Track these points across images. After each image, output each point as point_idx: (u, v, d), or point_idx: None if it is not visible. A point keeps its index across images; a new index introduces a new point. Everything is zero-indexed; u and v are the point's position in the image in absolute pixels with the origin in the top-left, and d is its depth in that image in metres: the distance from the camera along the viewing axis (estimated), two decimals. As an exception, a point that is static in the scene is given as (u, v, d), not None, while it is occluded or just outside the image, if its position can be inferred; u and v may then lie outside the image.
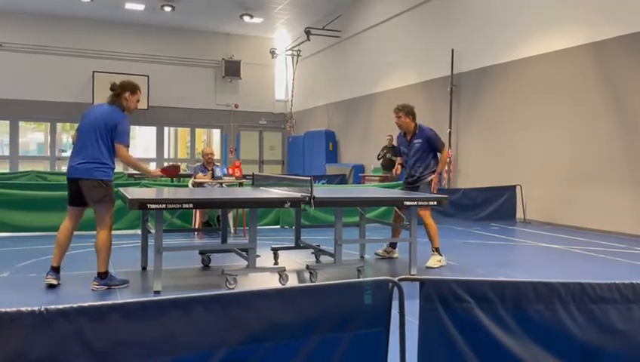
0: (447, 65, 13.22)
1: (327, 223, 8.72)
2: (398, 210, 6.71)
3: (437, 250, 6.30)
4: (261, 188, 6.79)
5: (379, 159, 14.44)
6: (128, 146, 5.07)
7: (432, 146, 6.53)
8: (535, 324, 2.31)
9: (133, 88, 5.18)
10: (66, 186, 8.79)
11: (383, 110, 16.36)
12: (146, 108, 20.13)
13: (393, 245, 6.92)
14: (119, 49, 20.39)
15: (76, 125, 5.36)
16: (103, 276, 5.01)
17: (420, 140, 6.53)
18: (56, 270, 5.07)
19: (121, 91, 5.13)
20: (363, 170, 16.66)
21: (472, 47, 12.65)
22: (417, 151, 6.55)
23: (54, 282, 5.02)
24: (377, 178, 14.07)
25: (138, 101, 5.28)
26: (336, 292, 2.20)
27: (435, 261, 6.23)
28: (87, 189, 4.95)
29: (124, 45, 20.50)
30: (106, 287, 4.99)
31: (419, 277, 2.25)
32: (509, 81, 11.67)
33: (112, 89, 5.18)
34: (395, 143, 14.08)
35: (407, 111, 6.56)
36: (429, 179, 6.54)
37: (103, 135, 4.93)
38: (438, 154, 6.61)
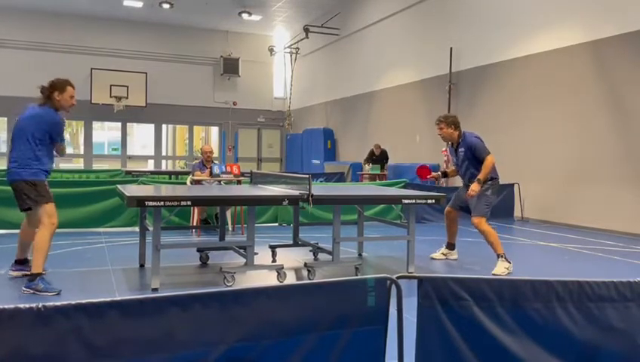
0: (445, 63, 13.22)
1: (325, 221, 8.73)
2: (451, 211, 6.54)
3: (503, 256, 5.90)
4: (259, 185, 6.79)
5: (364, 164, 14.61)
6: (64, 142, 5.09)
7: (475, 155, 6.12)
8: (533, 322, 2.31)
9: (61, 87, 5.01)
10: (63, 184, 8.78)
11: (382, 108, 16.37)
12: (144, 105, 20.13)
13: (450, 246, 6.73)
14: (117, 46, 20.36)
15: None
16: (32, 278, 4.73)
17: (463, 149, 6.20)
18: (17, 262, 5.34)
19: (50, 93, 5.01)
20: (361, 168, 16.67)
21: (471, 45, 12.65)
22: (464, 161, 6.22)
23: (13, 274, 5.28)
24: (368, 176, 14.14)
25: (72, 97, 5.07)
26: (334, 290, 2.20)
27: (502, 268, 5.82)
28: (16, 192, 4.92)
29: (122, 42, 20.46)
30: (30, 291, 4.67)
31: (417, 274, 2.25)
32: (507, 80, 11.68)
33: (41, 92, 5.05)
34: (376, 153, 14.41)
35: (449, 122, 6.25)
36: (483, 189, 6.04)
37: (34, 136, 4.87)
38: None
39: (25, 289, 4.71)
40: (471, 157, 6.15)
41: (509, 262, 5.92)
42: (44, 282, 4.75)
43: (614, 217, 9.28)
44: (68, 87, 5.06)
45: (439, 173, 6.78)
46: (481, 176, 6.01)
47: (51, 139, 4.95)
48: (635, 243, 8.14)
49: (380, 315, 2.23)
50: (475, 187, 5.99)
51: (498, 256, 5.95)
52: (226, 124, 22.40)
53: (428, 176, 6.83)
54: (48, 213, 4.88)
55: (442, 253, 6.74)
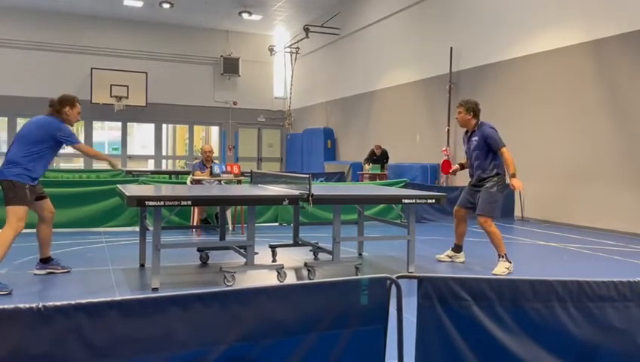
0: (445, 63, 13.22)
1: (325, 221, 8.73)
2: (459, 209, 6.44)
3: (505, 256, 5.91)
4: (259, 185, 6.79)
5: (364, 164, 14.60)
6: (80, 142, 5.37)
7: (489, 145, 6.01)
8: (533, 322, 2.31)
9: (72, 103, 5.32)
10: (63, 184, 8.78)
11: (382, 108, 16.37)
12: (144, 105, 20.13)
13: (457, 249, 6.62)
14: (118, 46, 20.36)
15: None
16: None
17: (477, 138, 6.08)
18: (42, 261, 5.50)
19: (61, 107, 5.25)
20: (361, 167, 16.68)
21: (471, 44, 12.65)
22: (475, 150, 6.12)
23: (38, 273, 5.43)
24: (368, 175, 14.13)
25: (79, 113, 5.42)
26: (334, 289, 2.20)
27: (502, 268, 5.84)
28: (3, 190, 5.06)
29: (122, 42, 20.47)
30: None
31: (417, 274, 2.25)
32: (507, 79, 11.67)
33: (50, 105, 5.29)
34: (376, 153, 14.42)
35: (469, 107, 6.14)
36: (490, 185, 6.00)
37: (32, 142, 5.04)
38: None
39: None
40: (483, 146, 6.05)
41: (510, 262, 5.93)
42: None
43: (614, 217, 9.28)
44: (77, 103, 5.39)
45: (457, 165, 6.71)
46: (511, 170, 5.93)
47: (59, 143, 5.15)
48: (635, 243, 8.14)
49: (380, 315, 2.23)
50: (515, 182, 5.92)
51: (500, 256, 5.96)
52: (226, 124, 22.40)
53: (450, 170, 6.87)
54: (18, 215, 4.94)
55: (447, 255, 6.65)
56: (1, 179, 5.00)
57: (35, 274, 5.39)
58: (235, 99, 22.27)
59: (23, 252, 6.42)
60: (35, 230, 5.45)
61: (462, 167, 6.63)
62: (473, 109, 6.15)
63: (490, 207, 6.01)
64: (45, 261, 5.50)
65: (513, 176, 5.92)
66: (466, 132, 6.34)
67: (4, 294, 4.68)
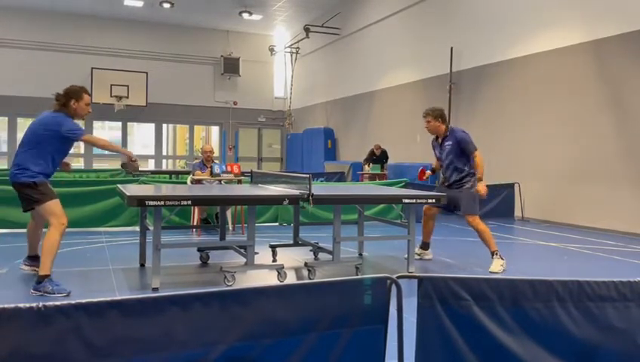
0: (446, 63, 13.22)
1: (325, 221, 8.73)
2: (430, 208, 6.52)
3: (497, 253, 6.00)
4: (260, 185, 6.79)
5: (364, 164, 14.59)
6: (86, 134, 5.02)
7: (462, 149, 6.24)
8: (533, 322, 2.31)
9: (77, 94, 4.98)
10: (63, 184, 8.77)
11: (382, 108, 16.37)
12: (144, 105, 20.13)
13: (425, 246, 6.73)
14: (118, 45, 20.36)
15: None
16: (40, 279, 4.65)
17: (450, 142, 6.29)
18: (29, 258, 5.44)
19: (66, 100, 4.97)
20: (361, 167, 16.67)
21: (471, 45, 12.65)
22: (449, 154, 6.30)
23: (24, 268, 5.40)
24: (368, 175, 14.13)
25: (88, 105, 5.05)
26: (334, 289, 2.20)
27: (498, 265, 5.91)
28: (19, 193, 4.91)
29: (122, 42, 20.47)
30: (39, 293, 4.61)
31: (417, 274, 2.25)
32: (508, 79, 11.67)
33: (56, 99, 5.03)
34: (376, 153, 14.42)
35: (436, 115, 6.39)
36: (469, 186, 6.19)
37: (39, 141, 4.86)
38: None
39: (33, 291, 4.65)
40: (457, 151, 6.26)
41: (503, 259, 6.02)
42: (53, 283, 4.69)
43: (614, 217, 9.28)
44: (84, 94, 5.04)
45: (429, 171, 6.91)
46: (479, 174, 6.19)
47: (66, 139, 4.90)
48: (635, 243, 8.14)
49: (380, 315, 2.23)
50: (481, 187, 6.16)
51: (492, 253, 6.04)
52: (227, 124, 22.40)
53: (424, 177, 6.98)
54: (55, 212, 4.81)
55: (416, 253, 6.64)
56: (17, 182, 4.84)
57: (21, 269, 5.38)
58: (235, 99, 22.27)
59: (23, 251, 6.43)
60: (26, 230, 5.43)
61: (433, 171, 6.91)
62: (441, 116, 6.43)
63: (474, 205, 6.20)
64: (34, 258, 5.36)
65: (480, 180, 6.17)
66: (436, 138, 6.55)
67: (63, 296, 4.60)
